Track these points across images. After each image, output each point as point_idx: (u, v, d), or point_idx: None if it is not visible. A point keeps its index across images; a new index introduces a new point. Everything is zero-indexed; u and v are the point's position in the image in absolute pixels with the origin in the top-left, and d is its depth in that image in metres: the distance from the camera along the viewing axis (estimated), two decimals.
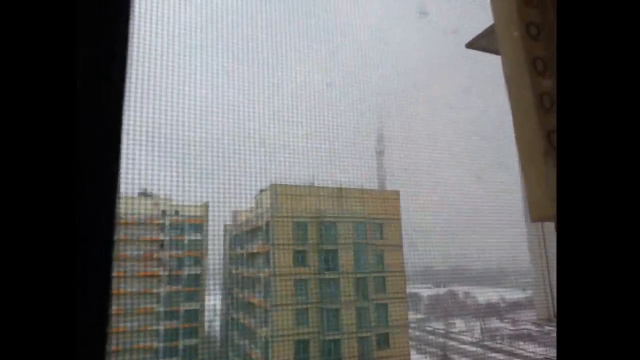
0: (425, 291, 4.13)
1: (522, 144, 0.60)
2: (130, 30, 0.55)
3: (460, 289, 3.97)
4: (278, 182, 3.29)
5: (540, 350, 3.33)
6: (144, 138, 1.04)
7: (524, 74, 0.60)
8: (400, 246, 3.62)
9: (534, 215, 0.56)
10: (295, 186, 3.26)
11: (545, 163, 0.56)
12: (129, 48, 0.56)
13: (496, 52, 0.71)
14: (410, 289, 3.98)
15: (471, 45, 1.72)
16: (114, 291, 1.12)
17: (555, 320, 1.93)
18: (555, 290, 1.94)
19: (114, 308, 1.09)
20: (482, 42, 1.59)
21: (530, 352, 3.26)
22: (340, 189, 3.58)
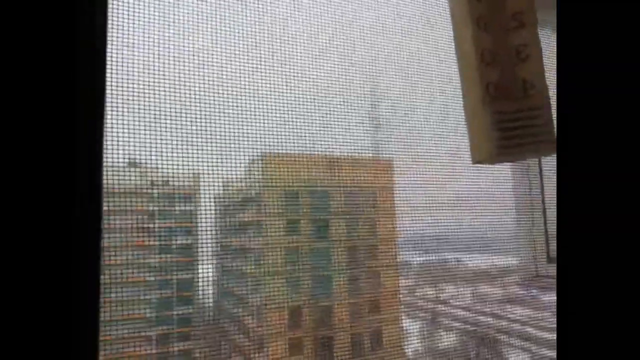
0: (416, 258, 4.21)
1: (466, 94, 0.64)
2: None
3: (450, 256, 4.06)
4: (270, 151, 3.32)
5: (526, 312, 3.44)
6: (132, 107, 1.07)
7: (468, 30, 0.64)
8: (393, 214, 3.68)
9: (474, 157, 0.61)
10: (287, 155, 3.29)
11: (483, 110, 0.61)
12: (108, 12, 0.58)
13: None
14: (401, 256, 4.06)
15: None
16: (106, 261, 1.12)
17: (538, 278, 2.00)
18: (539, 250, 2.00)
19: (104, 277, 1.08)
20: None
21: (515, 313, 3.39)
22: (332, 157, 3.60)
